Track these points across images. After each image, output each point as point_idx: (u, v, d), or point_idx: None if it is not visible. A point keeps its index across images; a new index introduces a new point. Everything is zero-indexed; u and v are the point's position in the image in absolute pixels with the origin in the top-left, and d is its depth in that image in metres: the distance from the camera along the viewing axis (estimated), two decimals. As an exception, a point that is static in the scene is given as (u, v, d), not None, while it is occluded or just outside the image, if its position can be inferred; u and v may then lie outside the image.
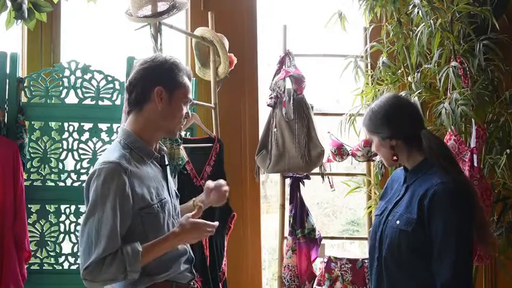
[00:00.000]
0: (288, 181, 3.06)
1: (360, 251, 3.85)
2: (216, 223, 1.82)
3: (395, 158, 1.91)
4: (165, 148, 1.95)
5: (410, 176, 1.92)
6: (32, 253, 2.52)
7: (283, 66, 3.03)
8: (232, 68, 3.05)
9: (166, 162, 1.92)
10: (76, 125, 2.62)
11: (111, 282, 1.68)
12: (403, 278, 1.84)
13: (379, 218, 1.96)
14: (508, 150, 2.65)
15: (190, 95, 1.87)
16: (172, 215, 1.85)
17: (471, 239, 1.78)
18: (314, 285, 2.98)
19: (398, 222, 1.85)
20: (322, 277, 2.98)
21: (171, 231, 1.77)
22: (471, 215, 1.78)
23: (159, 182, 1.82)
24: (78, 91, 2.62)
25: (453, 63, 2.51)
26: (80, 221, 2.60)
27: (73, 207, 2.60)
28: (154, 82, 1.77)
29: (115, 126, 2.62)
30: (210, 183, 2.04)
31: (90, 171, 1.73)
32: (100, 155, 2.60)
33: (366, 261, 2.86)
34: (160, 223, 1.77)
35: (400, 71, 2.98)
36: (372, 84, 3.06)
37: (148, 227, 1.73)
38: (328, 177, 3.09)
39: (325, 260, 2.99)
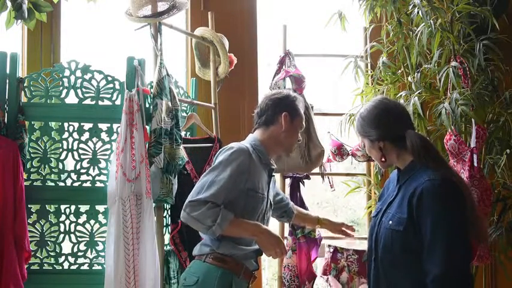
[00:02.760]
0: (288, 181, 3.07)
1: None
2: (286, 253, 2.19)
3: (383, 159, 1.96)
4: (274, 164, 2.26)
5: (402, 176, 1.95)
6: (32, 253, 2.52)
7: (283, 66, 3.03)
8: (232, 68, 3.05)
9: (273, 174, 2.26)
10: (76, 125, 2.62)
11: (199, 223, 1.98)
12: (399, 278, 1.85)
13: (375, 219, 1.99)
14: (508, 150, 2.65)
15: (304, 123, 2.28)
16: (264, 214, 2.18)
17: (462, 233, 1.77)
18: (320, 275, 2.99)
19: (390, 222, 1.87)
20: (328, 266, 2.97)
21: (260, 223, 2.09)
22: (461, 210, 1.79)
23: (265, 184, 2.18)
24: (78, 91, 2.62)
25: (453, 63, 2.52)
26: (80, 221, 2.60)
27: (73, 207, 2.60)
28: (283, 109, 2.19)
29: (115, 126, 2.62)
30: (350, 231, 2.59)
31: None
32: (100, 154, 2.61)
33: None
34: (256, 211, 2.11)
35: (400, 71, 2.98)
36: (372, 84, 3.06)
37: (248, 207, 2.08)
38: (328, 177, 3.10)
39: (331, 250, 2.98)
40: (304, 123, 2.29)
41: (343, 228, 2.58)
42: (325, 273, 2.97)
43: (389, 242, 1.85)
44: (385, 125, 1.94)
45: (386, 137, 1.94)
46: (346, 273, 2.93)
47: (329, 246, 3.00)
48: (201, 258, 2.10)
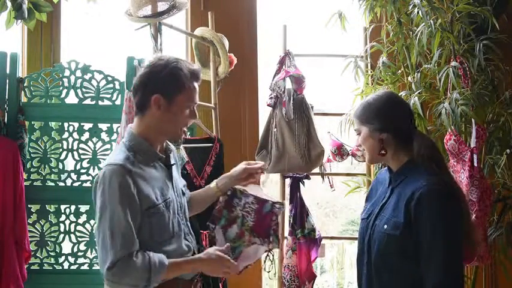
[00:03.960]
0: (288, 181, 3.06)
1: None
2: (235, 266, 1.89)
3: (383, 152, 1.88)
4: (172, 147, 1.95)
5: (395, 178, 1.90)
6: (32, 253, 2.53)
7: (283, 66, 3.02)
8: (232, 68, 3.05)
9: (172, 162, 1.93)
10: (76, 125, 2.62)
11: (132, 287, 1.70)
12: (393, 282, 1.83)
13: (366, 221, 1.93)
14: (508, 150, 2.65)
15: (195, 97, 1.84)
16: (177, 213, 1.88)
17: (459, 239, 1.76)
18: (209, 225, 2.16)
19: (386, 226, 1.83)
20: (219, 212, 2.15)
21: (197, 256, 1.83)
22: (458, 216, 1.77)
23: (164, 182, 1.84)
24: (78, 91, 2.63)
25: (453, 63, 2.52)
26: (80, 221, 2.61)
27: (73, 207, 2.60)
28: (153, 90, 1.77)
29: (115, 126, 2.62)
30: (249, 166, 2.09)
31: (98, 174, 1.77)
32: (100, 154, 2.61)
33: (277, 205, 2.16)
34: (165, 222, 1.80)
35: (400, 71, 2.97)
36: (372, 84, 3.06)
37: (154, 225, 1.77)
38: (328, 177, 3.09)
39: (229, 192, 2.16)
40: (194, 97, 1.81)
41: (248, 172, 2.10)
42: (213, 221, 2.14)
43: (384, 246, 1.82)
44: (393, 116, 1.88)
45: (390, 129, 1.87)
46: (236, 227, 2.15)
47: (230, 189, 2.17)
48: None
